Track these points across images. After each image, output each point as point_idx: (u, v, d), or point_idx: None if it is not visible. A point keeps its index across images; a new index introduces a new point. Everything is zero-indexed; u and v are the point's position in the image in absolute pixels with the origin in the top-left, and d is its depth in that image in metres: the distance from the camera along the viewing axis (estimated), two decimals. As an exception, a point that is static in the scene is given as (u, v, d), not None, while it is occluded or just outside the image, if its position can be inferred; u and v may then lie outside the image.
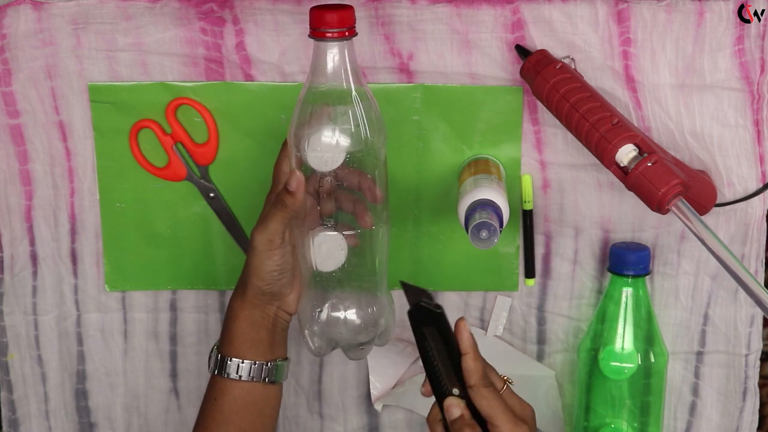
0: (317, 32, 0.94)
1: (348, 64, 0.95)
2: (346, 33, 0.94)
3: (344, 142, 0.96)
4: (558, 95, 1.00)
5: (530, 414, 0.93)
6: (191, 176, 1.11)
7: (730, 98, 1.05)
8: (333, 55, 0.95)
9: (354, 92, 0.96)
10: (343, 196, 1.00)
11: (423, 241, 1.12)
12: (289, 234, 0.99)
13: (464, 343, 0.90)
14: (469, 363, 0.90)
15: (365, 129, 0.96)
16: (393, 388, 1.16)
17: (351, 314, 1.01)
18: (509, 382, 0.93)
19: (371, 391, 1.17)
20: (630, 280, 1.08)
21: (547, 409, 0.89)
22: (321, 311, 1.01)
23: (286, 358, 1.04)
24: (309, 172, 0.98)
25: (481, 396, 0.90)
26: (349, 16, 0.95)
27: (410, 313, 0.91)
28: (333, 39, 0.94)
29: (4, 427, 1.19)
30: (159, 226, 1.13)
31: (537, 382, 1.14)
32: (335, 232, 0.99)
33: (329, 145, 0.95)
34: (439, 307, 0.90)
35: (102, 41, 1.06)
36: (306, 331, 1.02)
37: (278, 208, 0.97)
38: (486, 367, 0.92)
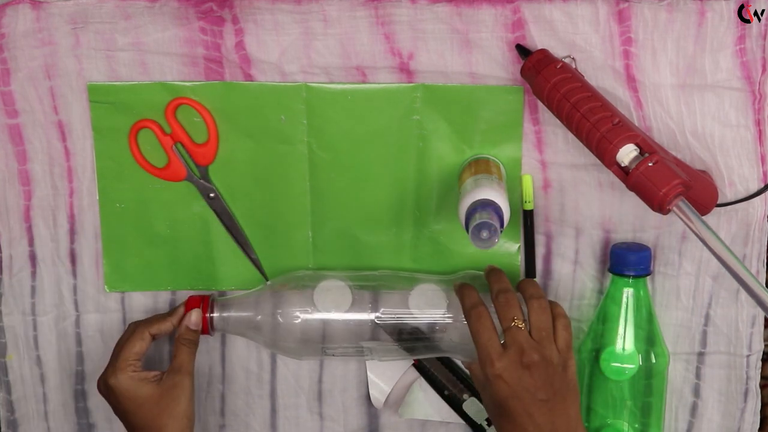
0: None
1: None
2: None
3: None
4: (559, 95, 1.00)
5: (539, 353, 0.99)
6: (191, 176, 1.10)
7: (731, 98, 1.05)
8: None
9: None
10: None
11: (423, 242, 1.12)
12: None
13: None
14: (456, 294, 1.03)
15: None
16: (404, 396, 1.16)
17: None
18: (518, 326, 1.00)
19: (371, 391, 1.16)
20: (631, 280, 1.08)
21: None
22: None
23: None
24: None
25: (468, 320, 1.02)
26: None
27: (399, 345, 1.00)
28: None
29: (3, 428, 1.18)
30: (158, 227, 1.12)
31: None
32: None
33: None
34: (415, 327, 0.98)
35: (101, 41, 1.06)
36: None
37: (186, 346, 1.08)
38: (494, 299, 1.03)
